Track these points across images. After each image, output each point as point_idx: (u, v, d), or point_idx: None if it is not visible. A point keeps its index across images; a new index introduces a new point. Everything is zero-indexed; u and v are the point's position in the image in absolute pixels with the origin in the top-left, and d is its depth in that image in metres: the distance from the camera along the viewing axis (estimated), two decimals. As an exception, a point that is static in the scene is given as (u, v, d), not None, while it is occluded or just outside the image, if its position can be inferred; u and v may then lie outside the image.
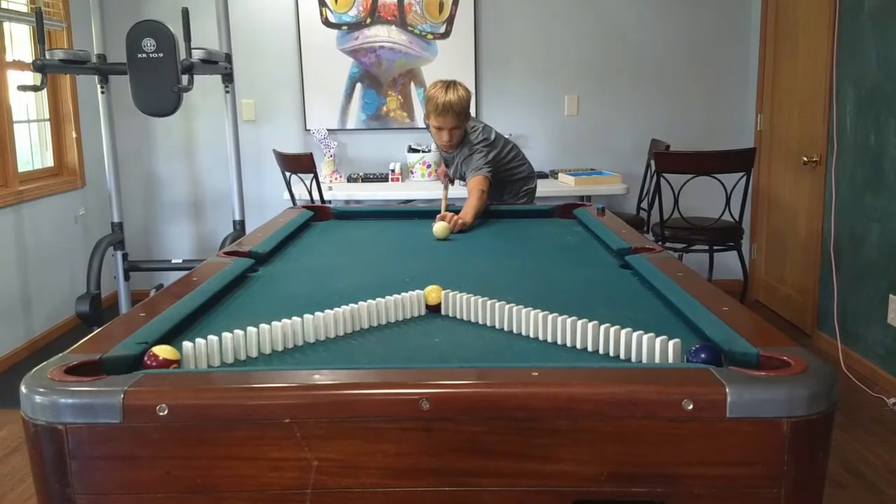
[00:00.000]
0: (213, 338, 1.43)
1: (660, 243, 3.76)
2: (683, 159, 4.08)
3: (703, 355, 1.33)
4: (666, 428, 1.16)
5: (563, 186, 4.69)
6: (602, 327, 1.47)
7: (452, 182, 3.72)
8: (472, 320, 1.69)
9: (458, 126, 3.25)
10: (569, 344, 1.51)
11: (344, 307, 1.62)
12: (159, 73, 3.84)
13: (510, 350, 1.51)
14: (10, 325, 4.31)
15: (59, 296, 4.74)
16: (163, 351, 1.37)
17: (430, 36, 5.18)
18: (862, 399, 3.57)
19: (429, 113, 3.26)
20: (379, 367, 1.35)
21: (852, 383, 3.70)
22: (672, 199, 3.99)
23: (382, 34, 5.17)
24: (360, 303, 1.66)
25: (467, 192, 3.17)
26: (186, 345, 1.40)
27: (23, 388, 1.22)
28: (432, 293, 1.76)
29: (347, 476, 1.19)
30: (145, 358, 1.37)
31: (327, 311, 1.59)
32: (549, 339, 1.54)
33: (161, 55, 3.84)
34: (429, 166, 4.99)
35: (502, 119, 5.02)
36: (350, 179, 5.06)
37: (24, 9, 4.56)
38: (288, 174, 4.46)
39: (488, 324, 1.66)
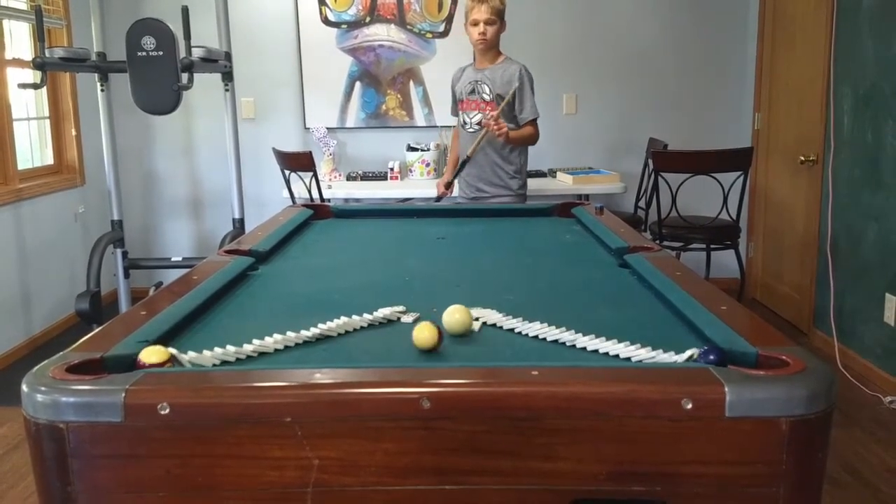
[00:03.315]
0: (207, 353, 1.42)
1: (657, 242, 3.77)
2: (681, 158, 4.09)
3: (711, 357, 1.32)
4: (665, 427, 1.17)
5: (562, 185, 4.70)
6: (607, 345, 1.45)
7: (449, 191, 3.88)
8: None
9: (492, 22, 3.49)
10: (568, 344, 1.51)
11: (342, 318, 1.60)
12: (159, 71, 3.84)
13: (510, 349, 1.51)
14: (9, 323, 4.31)
15: (58, 293, 4.74)
16: (149, 356, 1.34)
17: (429, 35, 5.18)
18: (858, 397, 3.58)
19: (466, 13, 3.55)
20: (379, 366, 1.36)
21: (849, 382, 3.71)
22: (670, 197, 3.99)
23: (382, 33, 5.17)
24: (365, 315, 1.65)
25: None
26: (183, 357, 1.39)
27: (24, 387, 1.22)
28: (425, 332, 1.46)
29: (348, 475, 1.19)
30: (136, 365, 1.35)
31: (329, 323, 1.58)
32: (549, 340, 1.54)
33: (161, 53, 3.84)
34: (427, 165, 4.99)
35: (501, 117, 5.02)
36: (349, 178, 5.06)
37: (24, 6, 4.56)
38: (287, 172, 4.46)
39: (488, 323, 1.66)
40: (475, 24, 3.50)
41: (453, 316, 1.54)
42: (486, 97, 3.60)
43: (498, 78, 3.59)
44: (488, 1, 3.46)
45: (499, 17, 3.52)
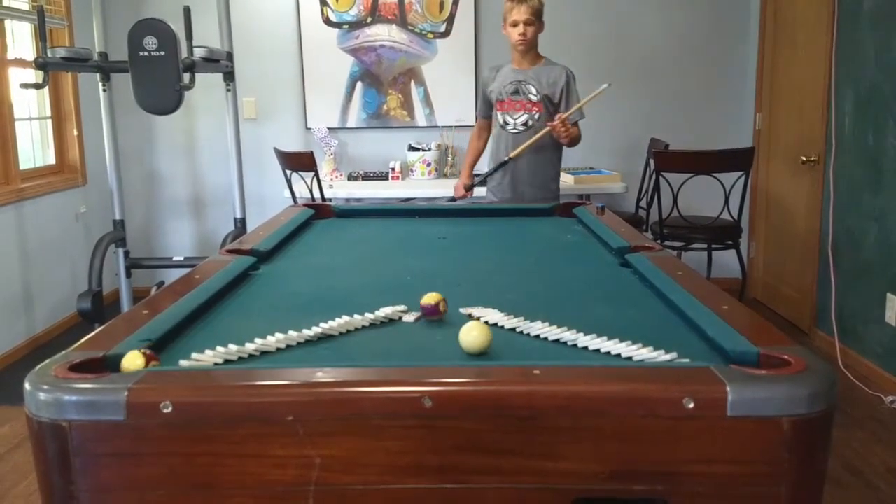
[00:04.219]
0: (209, 352, 1.42)
1: (659, 242, 3.77)
2: (682, 158, 4.09)
3: None
4: (666, 426, 1.17)
5: (563, 185, 4.67)
6: (609, 344, 1.46)
7: (470, 193, 3.86)
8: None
9: (532, 23, 3.51)
10: (569, 344, 1.52)
11: (344, 318, 1.61)
12: (161, 71, 3.85)
13: (511, 348, 1.51)
14: (11, 322, 4.31)
15: (60, 293, 4.75)
16: (130, 364, 1.32)
17: (430, 35, 5.18)
18: (859, 397, 3.58)
19: (505, 14, 3.56)
20: (381, 364, 1.36)
21: (850, 382, 3.71)
22: (671, 197, 3.99)
23: (383, 33, 5.18)
24: (367, 315, 1.65)
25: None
26: (183, 364, 1.39)
27: (27, 386, 1.22)
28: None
29: (350, 473, 1.20)
30: None
31: (331, 322, 1.58)
32: (550, 339, 1.54)
33: (162, 53, 3.85)
34: (429, 165, 5.00)
35: (502, 118, 5.02)
36: (350, 178, 5.07)
37: (26, 6, 4.57)
38: (289, 172, 4.47)
39: (489, 323, 1.66)
40: (515, 24, 3.52)
41: (470, 334, 1.44)
42: (533, 97, 3.61)
43: (544, 79, 3.60)
44: (527, 1, 3.48)
45: (538, 18, 3.54)
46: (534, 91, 3.60)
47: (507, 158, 3.62)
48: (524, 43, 3.54)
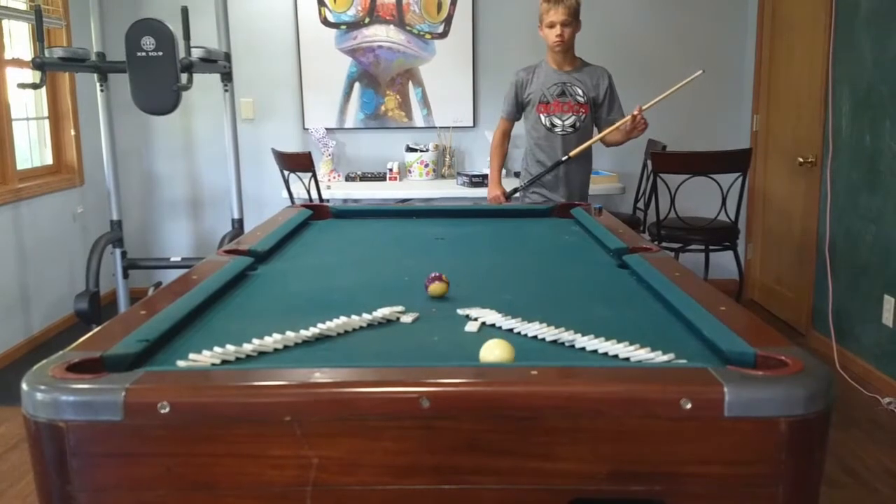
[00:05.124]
0: (207, 352, 1.42)
1: (656, 243, 3.77)
2: (680, 159, 4.10)
3: None
4: (664, 427, 1.17)
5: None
6: (606, 345, 1.46)
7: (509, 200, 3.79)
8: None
9: (569, 23, 3.49)
10: (567, 344, 1.52)
11: (341, 318, 1.61)
12: (158, 71, 3.85)
13: (509, 349, 1.51)
14: (8, 323, 4.31)
15: (57, 293, 4.74)
16: None
17: (428, 36, 5.19)
18: (856, 399, 3.59)
19: (541, 15, 3.53)
20: (379, 365, 1.36)
21: (847, 383, 3.72)
22: (668, 198, 4.00)
23: (381, 34, 5.18)
24: (364, 315, 1.65)
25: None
26: (180, 364, 1.40)
27: (24, 386, 1.22)
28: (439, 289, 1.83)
29: (348, 474, 1.20)
30: None
31: (328, 322, 1.58)
32: (548, 340, 1.54)
33: (160, 53, 3.84)
34: (426, 165, 5.00)
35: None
36: (348, 178, 5.07)
37: (24, 6, 4.56)
38: (286, 173, 4.46)
39: (487, 323, 1.66)
40: (552, 26, 3.50)
41: (493, 352, 1.39)
42: (580, 99, 3.61)
43: (588, 80, 3.62)
44: (564, 2, 3.46)
45: (574, 18, 3.52)
46: (580, 92, 3.60)
47: (565, 158, 3.59)
48: (561, 44, 3.52)
